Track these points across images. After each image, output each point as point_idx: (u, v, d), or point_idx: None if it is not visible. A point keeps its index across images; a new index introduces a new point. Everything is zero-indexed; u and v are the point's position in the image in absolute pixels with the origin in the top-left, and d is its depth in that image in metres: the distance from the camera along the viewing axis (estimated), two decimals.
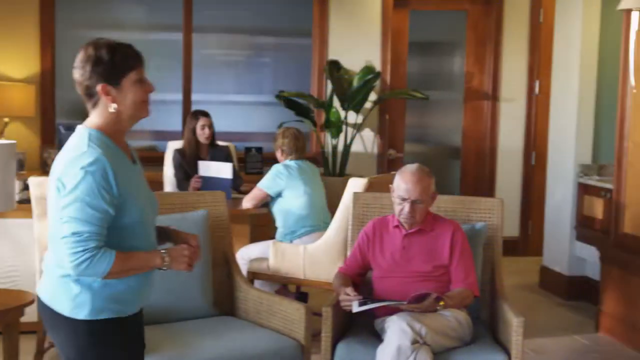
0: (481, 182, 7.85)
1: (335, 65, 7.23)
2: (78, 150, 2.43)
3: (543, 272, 6.73)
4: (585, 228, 6.11)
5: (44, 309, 2.56)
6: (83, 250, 2.37)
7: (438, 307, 3.51)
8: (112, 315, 2.50)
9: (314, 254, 4.97)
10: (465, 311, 3.70)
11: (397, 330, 3.37)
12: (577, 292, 6.29)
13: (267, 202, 5.31)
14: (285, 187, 5.19)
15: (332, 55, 7.39)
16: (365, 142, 7.53)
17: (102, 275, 2.41)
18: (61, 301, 2.49)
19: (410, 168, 3.79)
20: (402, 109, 7.74)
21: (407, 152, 7.77)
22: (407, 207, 3.72)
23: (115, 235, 2.46)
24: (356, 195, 4.30)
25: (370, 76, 7.09)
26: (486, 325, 3.93)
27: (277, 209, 5.26)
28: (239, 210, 5.25)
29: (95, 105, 2.51)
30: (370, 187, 4.82)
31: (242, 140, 7.35)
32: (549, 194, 6.71)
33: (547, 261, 6.68)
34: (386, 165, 7.56)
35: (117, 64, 2.47)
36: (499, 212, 4.13)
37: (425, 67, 7.97)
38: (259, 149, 7.10)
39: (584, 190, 6.16)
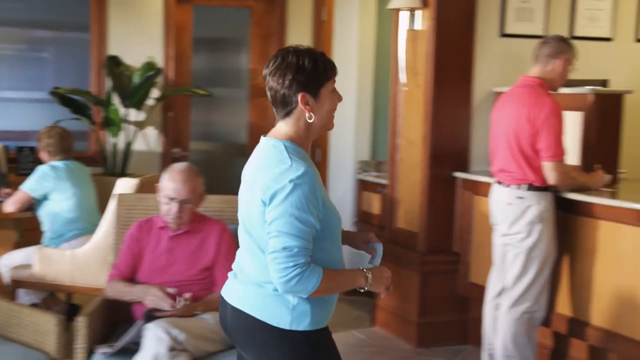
0: None
1: (114, 61, 6.96)
2: (282, 163, 2.35)
3: None
4: (364, 223, 6.21)
5: (251, 323, 2.41)
6: (294, 266, 2.29)
7: (196, 312, 3.41)
8: (326, 324, 2.46)
9: (82, 259, 4.74)
10: None
11: (152, 338, 3.22)
12: None
13: (32, 206, 5.01)
14: (53, 189, 4.94)
15: (112, 51, 7.10)
16: (149, 140, 7.30)
17: (310, 292, 2.33)
18: (279, 314, 2.38)
19: (178, 167, 3.73)
20: (187, 107, 7.57)
21: (193, 150, 7.62)
22: (174, 207, 3.63)
23: (316, 249, 2.37)
24: (120, 196, 4.12)
25: (151, 72, 6.87)
26: None
27: (44, 212, 4.98)
28: (1, 214, 4.93)
29: (288, 114, 2.44)
30: (143, 187, 4.67)
31: (17, 139, 6.95)
32: (331, 190, 6.78)
33: None
34: (171, 163, 7.36)
35: (319, 72, 2.43)
36: None
37: (211, 64, 7.86)
38: (32, 149, 6.71)
39: (362, 186, 6.26)
